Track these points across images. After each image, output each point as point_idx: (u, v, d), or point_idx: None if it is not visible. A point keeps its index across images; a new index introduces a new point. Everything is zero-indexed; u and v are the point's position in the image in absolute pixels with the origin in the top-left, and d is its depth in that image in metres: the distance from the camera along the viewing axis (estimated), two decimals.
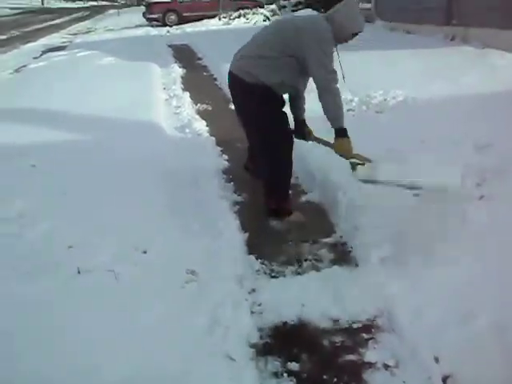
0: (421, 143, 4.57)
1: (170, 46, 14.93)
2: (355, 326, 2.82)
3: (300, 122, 4.12)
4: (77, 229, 3.47)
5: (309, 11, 15.75)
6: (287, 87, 3.81)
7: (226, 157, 5.10)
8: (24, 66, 11.91)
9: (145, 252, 3.24)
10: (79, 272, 2.99)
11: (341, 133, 3.61)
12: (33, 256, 3.15)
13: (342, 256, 3.48)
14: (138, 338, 2.51)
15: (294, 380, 2.47)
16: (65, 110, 6.59)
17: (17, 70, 11.49)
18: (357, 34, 3.69)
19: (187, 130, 5.93)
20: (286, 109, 3.96)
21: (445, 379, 2.43)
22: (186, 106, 7.21)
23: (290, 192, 4.01)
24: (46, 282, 2.87)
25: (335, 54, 3.65)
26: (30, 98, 7.40)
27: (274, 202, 3.91)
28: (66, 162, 4.64)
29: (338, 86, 3.56)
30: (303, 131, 4.11)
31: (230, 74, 3.87)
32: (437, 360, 2.52)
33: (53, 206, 3.81)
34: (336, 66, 3.62)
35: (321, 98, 3.56)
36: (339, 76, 3.58)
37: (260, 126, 3.78)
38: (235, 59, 3.89)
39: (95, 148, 5.07)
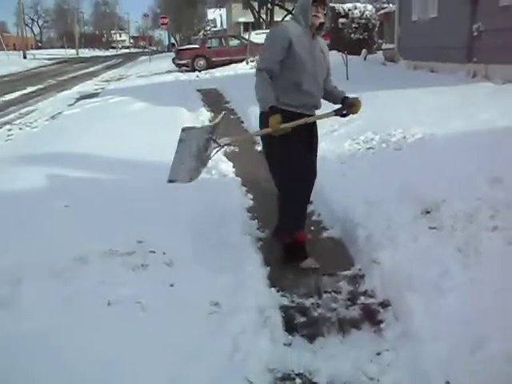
0: (437, 179, 4.70)
1: (198, 90, 15.39)
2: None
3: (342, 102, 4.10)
4: (108, 263, 3.69)
5: (333, 53, 16.10)
6: (298, 93, 3.88)
7: (250, 196, 5.32)
8: (59, 113, 12.45)
9: (172, 285, 3.44)
10: (109, 304, 3.20)
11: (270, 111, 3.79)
12: (65, 288, 3.37)
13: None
14: (164, 364, 2.68)
15: None
16: (97, 153, 6.91)
17: (53, 117, 12.02)
18: (317, 5, 3.79)
19: (213, 172, 6.16)
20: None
21: None
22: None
23: (300, 229, 4.09)
24: (78, 312, 3.08)
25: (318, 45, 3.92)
26: (64, 144, 7.76)
27: (287, 237, 4.04)
28: (96, 203, 4.89)
29: (261, 73, 3.84)
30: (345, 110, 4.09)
31: None
32: None
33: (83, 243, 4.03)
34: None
35: None
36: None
37: (268, 161, 4.09)
38: None
39: (123, 188, 5.33)
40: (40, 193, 5.41)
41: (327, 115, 4.09)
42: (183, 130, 3.95)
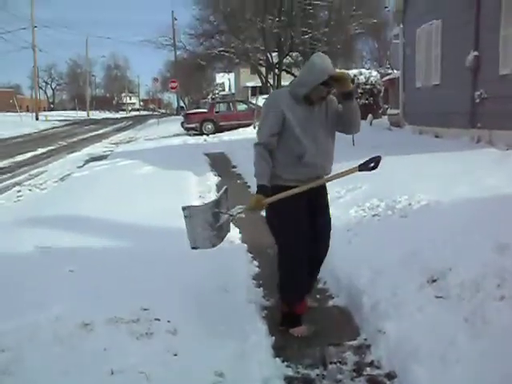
0: (442, 246, 4.70)
1: (206, 154, 15.60)
2: None
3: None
4: (112, 331, 3.68)
5: None
6: (299, 166, 3.80)
7: (256, 263, 5.33)
8: (68, 175, 12.63)
9: (175, 355, 3.41)
10: (112, 373, 3.17)
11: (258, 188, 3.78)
12: (69, 355, 3.35)
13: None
14: None
15: None
16: (104, 217, 6.97)
17: (62, 179, 12.19)
18: (326, 86, 3.70)
19: None
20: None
21: None
22: None
23: (302, 297, 4.07)
24: (82, 380, 3.07)
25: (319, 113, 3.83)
26: (71, 206, 7.84)
27: (284, 306, 4.05)
28: (101, 268, 4.90)
29: (258, 147, 3.77)
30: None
31: None
32: None
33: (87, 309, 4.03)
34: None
35: None
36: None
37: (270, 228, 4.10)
38: None
39: (129, 254, 5.36)
40: (45, 256, 5.43)
41: (348, 172, 3.93)
42: (184, 208, 3.84)
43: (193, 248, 3.88)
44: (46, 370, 3.23)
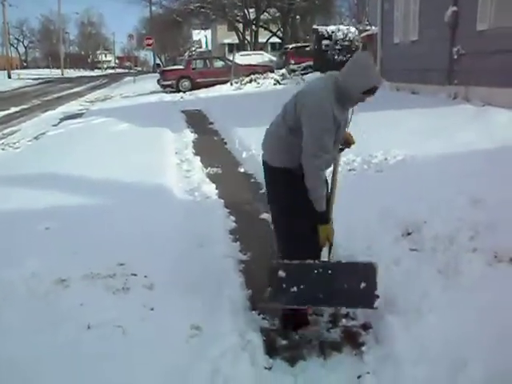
0: (417, 200, 4.74)
1: (183, 111, 15.44)
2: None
3: None
4: (89, 286, 3.67)
5: (317, 74, 16.28)
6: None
7: (233, 218, 5.32)
8: (43, 134, 12.40)
9: (152, 309, 3.42)
10: (89, 327, 3.17)
11: (320, 218, 3.32)
12: (45, 311, 3.35)
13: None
14: None
15: None
16: (80, 174, 6.89)
17: (36, 138, 11.96)
18: (373, 92, 3.18)
19: (196, 193, 6.18)
20: None
21: None
22: (197, 169, 7.51)
23: None
24: (58, 335, 3.06)
25: (348, 115, 3.39)
26: (46, 165, 7.73)
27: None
28: (77, 225, 4.87)
29: (318, 168, 3.23)
30: None
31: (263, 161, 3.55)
32: None
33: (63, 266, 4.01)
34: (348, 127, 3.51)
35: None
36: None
37: (284, 213, 3.43)
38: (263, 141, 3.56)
39: (105, 210, 5.34)
40: (20, 215, 5.38)
41: None
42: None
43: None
44: (22, 326, 3.22)
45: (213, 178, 7.07)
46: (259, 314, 3.55)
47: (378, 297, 3.13)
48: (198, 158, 8.28)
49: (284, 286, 3.19)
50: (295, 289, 3.17)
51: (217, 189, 6.39)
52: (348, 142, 3.66)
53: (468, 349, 2.92)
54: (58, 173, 7.13)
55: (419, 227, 4.33)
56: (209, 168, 7.65)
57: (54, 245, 4.45)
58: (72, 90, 31.76)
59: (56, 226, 4.91)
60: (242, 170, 7.50)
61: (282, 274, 3.21)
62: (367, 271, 3.20)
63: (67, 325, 3.21)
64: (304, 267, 3.26)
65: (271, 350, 3.20)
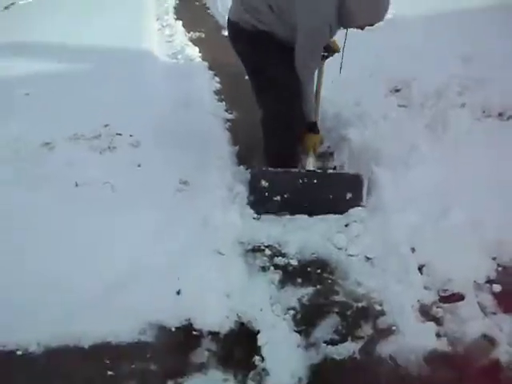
0: (407, 59, 4.62)
1: None
2: None
3: None
4: (74, 147, 3.64)
5: None
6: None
7: (217, 79, 5.19)
8: (13, 4, 11.75)
9: (139, 165, 3.42)
10: (77, 185, 3.18)
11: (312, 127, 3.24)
12: (32, 171, 3.33)
13: None
14: (137, 236, 2.76)
15: (280, 272, 2.68)
16: (58, 41, 6.57)
17: (6, 8, 11.34)
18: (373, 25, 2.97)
19: (179, 56, 5.96)
20: None
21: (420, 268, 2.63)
22: (179, 34, 7.20)
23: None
24: (46, 193, 3.07)
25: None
26: (21, 33, 7.37)
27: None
28: (57, 90, 4.73)
29: (317, 39, 2.93)
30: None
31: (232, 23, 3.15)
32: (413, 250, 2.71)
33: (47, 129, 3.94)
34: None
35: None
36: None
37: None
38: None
39: (86, 74, 5.19)
40: None
41: None
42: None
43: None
44: (12, 184, 3.21)
45: (196, 41, 6.79)
46: (247, 169, 3.52)
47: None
48: (180, 22, 7.92)
49: (266, 194, 3.12)
50: (278, 198, 3.12)
51: (200, 52, 6.17)
52: (333, 50, 3.40)
53: (451, 198, 2.99)
54: (36, 40, 6.78)
55: (408, 84, 4.26)
56: (191, 32, 7.33)
57: (35, 109, 4.33)
58: None
59: (36, 92, 4.75)
60: (225, 33, 7.20)
61: (264, 183, 3.13)
62: (354, 182, 3.14)
63: (55, 183, 3.21)
64: (288, 175, 3.15)
65: None
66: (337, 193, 3.11)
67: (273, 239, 2.91)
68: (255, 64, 3.15)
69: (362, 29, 3.02)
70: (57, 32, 7.26)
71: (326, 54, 3.34)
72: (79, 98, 4.52)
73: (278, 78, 3.04)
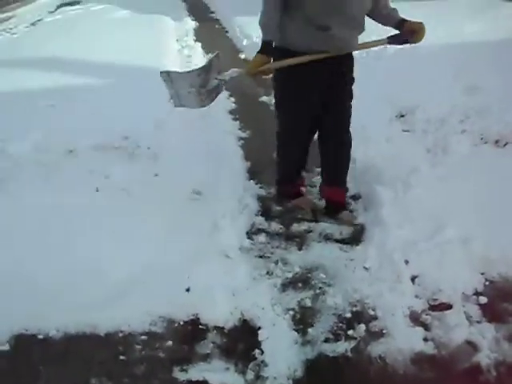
0: (414, 87, 4.84)
1: (183, 0, 15.03)
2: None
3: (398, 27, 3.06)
4: (96, 156, 3.89)
5: None
6: (320, 39, 2.92)
7: (232, 99, 5.45)
8: (39, 20, 12.15)
9: (156, 175, 3.66)
10: (98, 190, 3.42)
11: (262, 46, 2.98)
12: (55, 176, 3.60)
13: None
14: (151, 237, 2.98)
15: (283, 277, 2.89)
16: (82, 58, 6.94)
17: (33, 24, 11.74)
18: None
19: None
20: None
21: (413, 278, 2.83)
22: (198, 55, 7.52)
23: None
24: (71, 197, 3.32)
25: None
26: (46, 49, 7.70)
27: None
28: (79, 103, 5.01)
29: None
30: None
31: None
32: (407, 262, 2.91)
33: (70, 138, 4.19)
34: None
35: None
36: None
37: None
38: None
39: (107, 89, 5.50)
40: (21, 93, 5.50)
41: (376, 43, 3.24)
42: (161, 73, 3.16)
43: (177, 106, 3.31)
44: (35, 188, 3.46)
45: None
46: (257, 184, 3.77)
47: None
48: (199, 44, 8.26)
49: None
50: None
51: None
52: (415, 32, 3.00)
53: (446, 217, 3.16)
54: (59, 56, 7.15)
55: (413, 111, 4.49)
56: (209, 54, 7.64)
57: (59, 119, 4.62)
58: None
59: (59, 104, 5.05)
60: (242, 56, 7.51)
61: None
62: None
63: (78, 188, 3.46)
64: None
65: (267, 214, 3.45)
66: None
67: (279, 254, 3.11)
68: None
69: None
70: (81, 48, 7.60)
71: (395, 35, 3.11)
72: (100, 110, 4.79)
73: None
